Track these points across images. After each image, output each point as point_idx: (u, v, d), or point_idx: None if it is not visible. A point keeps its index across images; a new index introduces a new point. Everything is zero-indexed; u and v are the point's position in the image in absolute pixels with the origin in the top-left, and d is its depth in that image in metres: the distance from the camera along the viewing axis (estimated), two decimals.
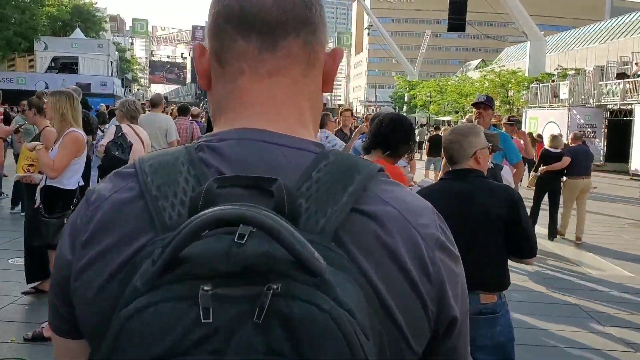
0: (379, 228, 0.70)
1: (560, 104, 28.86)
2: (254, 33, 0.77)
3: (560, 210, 9.45)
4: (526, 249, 2.85)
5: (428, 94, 57.33)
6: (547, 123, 29.26)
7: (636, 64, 27.93)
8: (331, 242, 0.65)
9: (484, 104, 5.85)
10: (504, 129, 8.06)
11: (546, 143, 9.65)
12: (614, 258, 8.39)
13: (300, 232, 0.60)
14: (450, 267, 0.76)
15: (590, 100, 27.72)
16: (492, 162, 3.94)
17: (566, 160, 8.93)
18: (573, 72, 32.34)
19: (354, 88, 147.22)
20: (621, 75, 26.60)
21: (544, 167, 9.12)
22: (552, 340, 5.09)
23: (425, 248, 0.73)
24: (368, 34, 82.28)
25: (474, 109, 6.13)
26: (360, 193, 0.70)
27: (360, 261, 0.67)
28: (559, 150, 9.18)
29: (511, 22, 46.15)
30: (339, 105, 69.13)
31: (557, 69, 37.75)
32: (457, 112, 52.94)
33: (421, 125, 44.76)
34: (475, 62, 74.87)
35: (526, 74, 39.02)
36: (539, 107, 31.15)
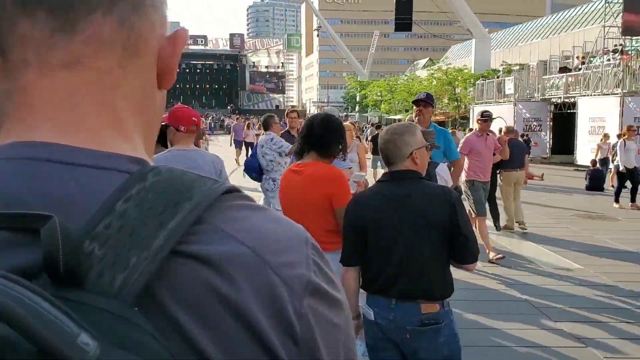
0: (215, 276, 0.49)
1: (506, 99, 29.43)
2: (43, 9, 0.54)
3: (502, 204, 9.69)
4: (467, 254, 2.68)
5: (379, 94, 57.79)
6: (495, 118, 29.81)
7: (577, 57, 28.77)
8: (132, 308, 0.45)
9: (424, 102, 5.78)
10: (478, 125, 8.07)
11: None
12: (562, 248, 8.45)
13: (86, 296, 0.44)
14: (326, 318, 0.55)
15: (535, 95, 28.36)
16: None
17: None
18: (518, 67, 33.08)
19: (307, 89, 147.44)
20: (564, 69, 27.32)
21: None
22: (503, 340, 4.99)
23: (288, 297, 0.52)
24: (317, 35, 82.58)
25: (414, 107, 6.03)
26: (190, 228, 0.49)
27: (186, 328, 0.47)
28: None
29: (457, 21, 47.01)
30: (292, 106, 68.54)
31: (502, 65, 38.56)
32: (407, 111, 53.57)
33: (372, 125, 45.00)
34: (423, 61, 75.89)
35: (472, 71, 39.73)
36: (486, 102, 31.69)
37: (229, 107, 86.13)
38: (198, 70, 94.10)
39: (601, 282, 6.71)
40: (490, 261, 7.46)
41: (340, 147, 3.36)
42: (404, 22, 35.79)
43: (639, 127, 13.24)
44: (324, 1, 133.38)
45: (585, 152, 22.07)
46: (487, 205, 8.66)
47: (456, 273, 2.88)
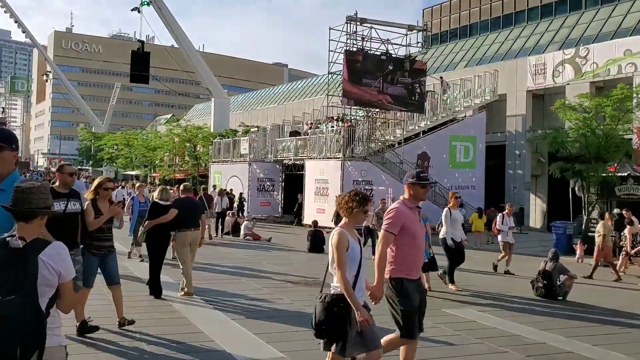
0: None
1: (242, 158, 29.62)
2: None
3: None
4: None
5: (115, 147, 54.29)
6: (231, 177, 29.72)
7: (306, 123, 30.52)
8: None
9: None
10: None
11: (155, 195, 9.23)
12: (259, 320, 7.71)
13: None
14: None
15: (269, 155, 29.09)
16: None
17: (173, 212, 8.57)
18: (255, 129, 33.87)
19: (36, 139, 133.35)
20: (294, 133, 28.61)
21: (151, 220, 8.61)
22: None
23: None
24: (46, 80, 75.39)
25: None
26: None
27: None
28: (168, 203, 8.79)
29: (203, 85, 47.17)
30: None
31: (240, 125, 39.32)
32: (146, 167, 51.26)
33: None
34: (167, 117, 74.61)
35: (212, 130, 39.71)
36: (222, 161, 31.58)
37: None
38: None
39: None
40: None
41: None
42: (140, 74, 34.09)
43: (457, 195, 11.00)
44: (61, 47, 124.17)
45: (311, 211, 22.94)
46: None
47: None
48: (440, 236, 10.91)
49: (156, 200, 8.87)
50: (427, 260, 9.12)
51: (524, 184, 28.44)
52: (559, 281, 10.12)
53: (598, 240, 13.45)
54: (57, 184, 6.14)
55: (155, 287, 8.59)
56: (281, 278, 11.12)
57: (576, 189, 18.93)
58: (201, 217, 9.23)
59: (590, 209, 18.36)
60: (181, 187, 9.98)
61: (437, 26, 42.40)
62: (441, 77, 29.17)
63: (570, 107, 19.12)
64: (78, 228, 5.96)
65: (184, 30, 43.36)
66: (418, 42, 27.40)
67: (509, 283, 11.79)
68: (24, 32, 69.92)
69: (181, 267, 8.83)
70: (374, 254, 9.10)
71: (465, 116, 27.94)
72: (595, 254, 13.52)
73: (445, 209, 10.95)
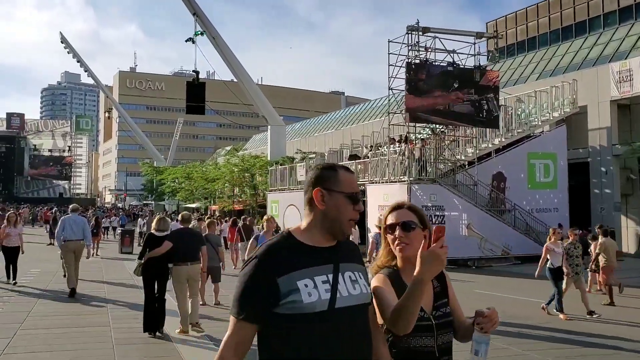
0: None
1: (299, 186, 27.98)
2: None
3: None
4: None
5: (175, 180, 54.03)
6: (288, 206, 28.12)
7: (365, 146, 28.70)
8: None
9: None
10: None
11: (153, 225, 8.62)
12: None
13: None
14: None
15: None
16: None
17: (167, 244, 8.07)
18: (313, 154, 32.33)
19: (104, 176, 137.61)
20: (353, 157, 26.83)
21: (149, 252, 8.13)
22: None
23: None
24: (108, 117, 77.11)
25: None
26: None
27: None
28: (164, 233, 8.25)
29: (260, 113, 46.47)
30: (78, 194, 61.19)
31: (297, 152, 37.91)
32: (206, 199, 50.57)
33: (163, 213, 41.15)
34: (227, 149, 74.64)
35: (269, 158, 38.51)
36: (279, 190, 30.08)
37: None
38: None
39: None
40: None
41: None
42: (196, 105, 33.50)
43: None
44: (125, 86, 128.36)
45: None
46: None
47: None
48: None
49: (152, 231, 8.29)
50: None
51: (613, 204, 25.37)
52: None
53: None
54: None
55: (149, 323, 8.09)
56: None
57: None
58: (202, 250, 8.57)
59: None
60: (179, 217, 9.51)
61: (503, 39, 39.89)
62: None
63: None
64: None
65: (239, 60, 42.77)
66: (490, 51, 25.01)
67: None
68: (86, 71, 71.87)
69: (177, 301, 8.37)
70: None
71: (543, 131, 25.30)
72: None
73: (547, 244, 10.95)
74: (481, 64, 23.91)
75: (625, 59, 26.78)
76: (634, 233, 25.95)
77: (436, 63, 22.31)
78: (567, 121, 25.37)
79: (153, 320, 8.13)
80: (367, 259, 11.40)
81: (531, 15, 38.89)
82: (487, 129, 23.84)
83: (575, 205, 24.55)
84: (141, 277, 8.38)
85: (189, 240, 8.37)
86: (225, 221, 21.07)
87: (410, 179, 20.62)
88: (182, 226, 8.80)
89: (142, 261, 8.16)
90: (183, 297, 8.24)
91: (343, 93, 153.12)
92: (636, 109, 26.09)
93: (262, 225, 10.65)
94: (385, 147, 25.32)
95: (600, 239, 13.04)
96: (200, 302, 9.94)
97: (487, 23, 43.83)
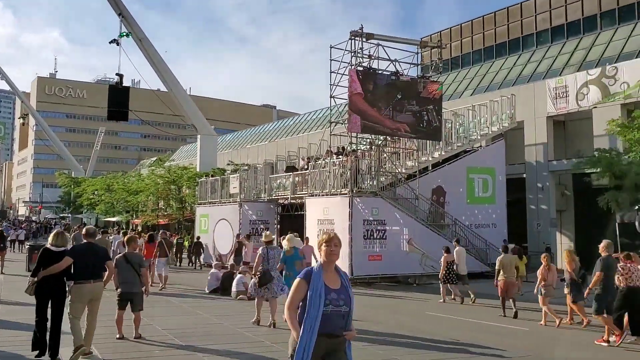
0: None
1: (231, 199, 26.34)
2: None
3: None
4: None
5: (94, 192, 50.62)
6: (219, 220, 26.36)
7: (302, 158, 27.45)
8: None
9: None
10: None
11: (49, 240, 7.65)
12: None
13: None
14: None
15: (262, 195, 25.86)
16: None
17: (67, 260, 7.32)
18: (246, 167, 30.73)
19: (18, 187, 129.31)
20: (290, 169, 25.49)
21: (43, 270, 7.29)
22: None
23: None
24: (22, 123, 71.98)
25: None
26: None
27: None
28: (62, 249, 7.43)
29: (190, 124, 44.36)
30: None
31: (228, 164, 36.18)
32: (128, 212, 47.61)
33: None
34: (151, 160, 71.48)
35: (198, 169, 36.53)
36: (210, 203, 28.25)
37: None
38: None
39: None
40: None
41: None
42: (118, 110, 31.14)
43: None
44: (44, 93, 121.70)
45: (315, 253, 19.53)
46: None
47: None
48: None
49: (48, 246, 7.45)
50: None
51: (549, 220, 25.33)
52: None
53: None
54: None
55: (38, 343, 7.24)
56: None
57: (637, 223, 15.68)
58: (108, 265, 7.76)
59: None
60: (83, 231, 8.38)
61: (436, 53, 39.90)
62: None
63: (629, 126, 16.08)
64: None
65: (168, 65, 40.59)
66: (432, 61, 24.43)
67: None
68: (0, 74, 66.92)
69: (69, 322, 7.34)
70: None
71: (481, 146, 24.96)
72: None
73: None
74: (424, 75, 23.31)
75: (560, 75, 27.07)
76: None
77: (379, 71, 21.42)
78: (504, 136, 25.19)
79: (44, 339, 7.30)
80: (253, 272, 11.15)
81: (465, 31, 39.17)
82: (428, 142, 23.20)
83: (512, 220, 24.27)
84: (34, 297, 7.34)
85: (92, 256, 7.52)
86: (143, 237, 19.34)
87: (352, 191, 19.50)
88: (85, 241, 7.86)
89: (36, 279, 7.25)
90: (78, 317, 7.38)
91: (275, 107, 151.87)
92: (571, 125, 26.32)
93: (284, 244, 11.08)
94: (322, 160, 24.15)
95: (500, 256, 13.38)
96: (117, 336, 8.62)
97: (421, 39, 43.91)
